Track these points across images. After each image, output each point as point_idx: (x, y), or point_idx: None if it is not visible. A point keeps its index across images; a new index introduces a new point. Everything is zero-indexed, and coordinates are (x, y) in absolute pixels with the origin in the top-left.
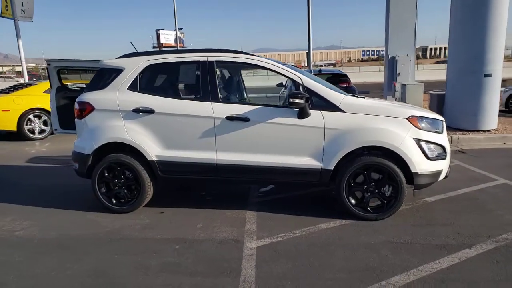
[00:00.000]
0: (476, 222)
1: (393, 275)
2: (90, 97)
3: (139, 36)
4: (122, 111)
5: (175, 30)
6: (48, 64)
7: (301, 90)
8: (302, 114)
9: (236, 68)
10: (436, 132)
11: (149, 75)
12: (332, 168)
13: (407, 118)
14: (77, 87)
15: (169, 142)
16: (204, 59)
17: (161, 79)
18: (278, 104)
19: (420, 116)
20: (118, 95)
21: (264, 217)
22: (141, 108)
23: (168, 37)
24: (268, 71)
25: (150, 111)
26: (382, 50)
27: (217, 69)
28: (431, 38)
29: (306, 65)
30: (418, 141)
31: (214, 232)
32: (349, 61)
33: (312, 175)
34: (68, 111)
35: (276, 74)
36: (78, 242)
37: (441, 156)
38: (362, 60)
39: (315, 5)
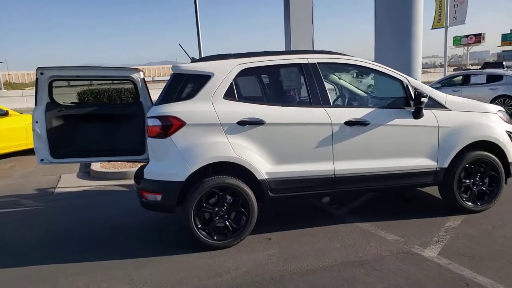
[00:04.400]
0: None
1: None
2: (176, 109)
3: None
4: (224, 124)
5: None
6: (41, 74)
7: (410, 90)
8: (419, 114)
9: (334, 70)
10: (509, 122)
11: (244, 81)
12: (447, 166)
13: (496, 113)
14: (71, 103)
15: (280, 156)
16: (305, 61)
17: (258, 85)
18: (391, 105)
19: (501, 110)
20: (215, 105)
21: (388, 225)
22: (247, 120)
23: None
24: (370, 72)
25: (258, 122)
26: None
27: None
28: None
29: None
30: (507, 133)
31: (369, 248)
32: None
33: (428, 175)
34: (65, 135)
35: (381, 75)
36: None
37: None
38: None
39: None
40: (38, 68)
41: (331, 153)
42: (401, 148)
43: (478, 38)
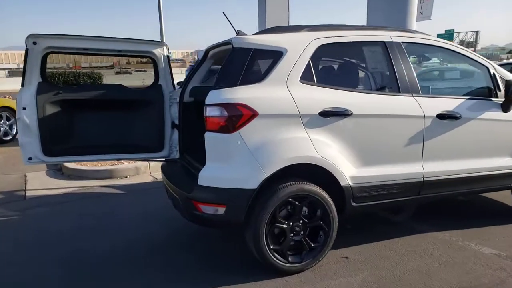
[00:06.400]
0: None
1: None
2: (246, 95)
3: None
4: (303, 115)
5: None
6: (33, 44)
7: (497, 79)
8: (509, 106)
9: (416, 52)
10: None
11: (322, 60)
12: None
13: None
14: (70, 84)
15: (366, 156)
16: (389, 39)
17: (337, 65)
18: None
19: None
20: (291, 90)
21: (469, 234)
22: (332, 110)
23: None
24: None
25: (344, 113)
26: None
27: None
28: None
29: None
30: None
31: (475, 266)
32: None
33: None
34: (62, 126)
35: (467, 60)
36: None
37: None
38: None
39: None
40: (30, 36)
41: (421, 152)
42: (489, 146)
43: None
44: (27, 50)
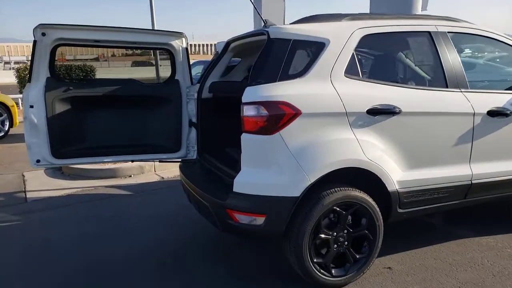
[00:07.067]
0: None
1: None
2: (288, 92)
3: None
4: (350, 113)
5: None
6: (42, 35)
7: None
8: None
9: (462, 43)
10: None
11: (365, 51)
12: None
13: None
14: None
15: (413, 157)
16: (434, 28)
17: (381, 58)
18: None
19: None
20: (336, 86)
21: None
22: (380, 107)
23: None
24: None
25: (392, 111)
26: None
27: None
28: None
29: None
30: None
31: None
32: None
33: None
34: (73, 125)
35: None
36: None
37: None
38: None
39: None
40: (39, 26)
41: (469, 152)
42: None
43: None
44: (35, 42)
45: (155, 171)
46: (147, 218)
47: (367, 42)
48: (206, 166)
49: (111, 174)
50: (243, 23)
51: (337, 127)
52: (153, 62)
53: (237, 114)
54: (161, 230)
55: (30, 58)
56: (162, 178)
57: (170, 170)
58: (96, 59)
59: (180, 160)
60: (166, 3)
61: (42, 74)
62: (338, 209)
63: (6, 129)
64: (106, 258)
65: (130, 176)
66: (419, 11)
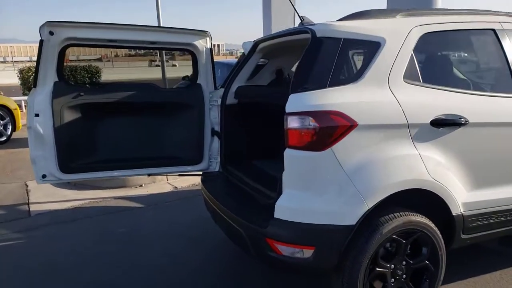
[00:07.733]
0: None
1: None
2: (339, 100)
3: None
4: (412, 125)
5: None
6: (50, 34)
7: None
8: None
9: None
10: None
11: (425, 52)
12: None
13: None
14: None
15: (479, 176)
16: (499, 26)
17: (442, 59)
18: None
19: None
20: (395, 93)
21: None
22: (445, 118)
23: None
24: None
25: (458, 123)
26: None
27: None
28: None
29: None
30: None
31: None
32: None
33: None
34: (83, 136)
35: None
36: None
37: None
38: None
39: None
40: (47, 24)
41: None
42: None
43: None
44: (41, 42)
45: (167, 180)
46: (162, 235)
47: (427, 41)
48: (231, 180)
49: (120, 183)
50: (248, 22)
51: (397, 141)
52: (172, 62)
53: (268, 123)
54: (178, 249)
55: (35, 59)
56: (176, 188)
57: (184, 179)
58: (99, 60)
59: (200, 173)
60: (167, 2)
61: (49, 78)
62: (397, 237)
63: (9, 133)
64: (118, 281)
65: (141, 185)
66: (439, 5)
